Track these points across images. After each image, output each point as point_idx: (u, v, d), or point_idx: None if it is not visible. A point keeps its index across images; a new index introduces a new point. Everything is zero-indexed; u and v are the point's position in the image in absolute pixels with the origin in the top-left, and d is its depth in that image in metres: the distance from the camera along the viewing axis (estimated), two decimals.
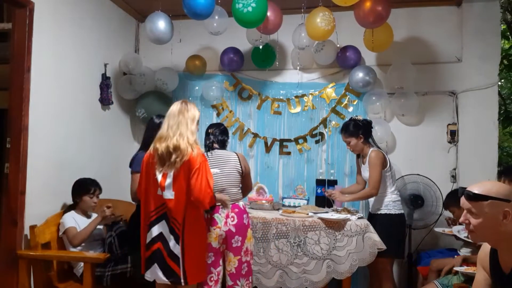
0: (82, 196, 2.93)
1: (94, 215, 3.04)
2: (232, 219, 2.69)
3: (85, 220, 2.92)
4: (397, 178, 3.53)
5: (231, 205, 2.71)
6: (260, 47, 3.68)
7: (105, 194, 3.20)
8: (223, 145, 2.88)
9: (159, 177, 2.29)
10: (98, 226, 3.01)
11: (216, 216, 2.69)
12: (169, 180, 2.27)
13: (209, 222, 2.70)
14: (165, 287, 2.39)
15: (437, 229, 3.11)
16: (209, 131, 2.92)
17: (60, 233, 2.85)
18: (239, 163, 2.79)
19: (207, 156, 2.80)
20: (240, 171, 2.79)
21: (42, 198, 2.89)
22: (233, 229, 2.67)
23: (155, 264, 2.29)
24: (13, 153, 2.71)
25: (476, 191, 1.54)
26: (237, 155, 2.83)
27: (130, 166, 2.76)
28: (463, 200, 1.59)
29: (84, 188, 2.95)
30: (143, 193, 2.39)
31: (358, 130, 3.03)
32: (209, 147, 2.88)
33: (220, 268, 2.72)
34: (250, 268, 2.77)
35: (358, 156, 3.23)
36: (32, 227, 2.68)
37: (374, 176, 2.94)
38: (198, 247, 2.34)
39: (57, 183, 3.02)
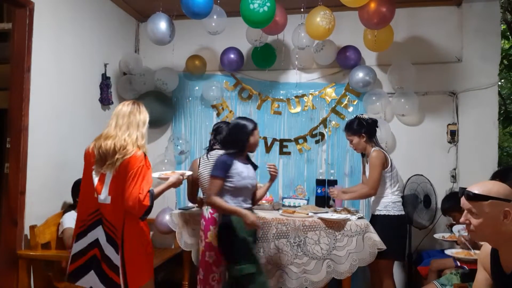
0: None
1: None
2: None
3: None
4: (407, 179, 3.52)
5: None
6: (267, 45, 3.67)
7: None
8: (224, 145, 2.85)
9: (96, 179, 2.12)
10: None
11: (216, 215, 2.69)
12: (107, 183, 2.09)
13: (210, 221, 2.69)
14: None
15: (436, 236, 3.12)
16: (210, 133, 2.94)
17: (59, 233, 2.85)
18: None
19: (203, 159, 2.80)
20: None
21: (42, 198, 2.89)
22: None
23: (92, 271, 2.09)
24: (13, 153, 2.72)
25: (476, 191, 1.54)
26: None
27: (215, 170, 2.50)
28: (463, 201, 1.59)
29: None
30: (81, 194, 2.22)
31: (361, 129, 3.01)
32: (207, 150, 2.87)
33: (222, 268, 2.72)
34: None
35: (363, 155, 3.21)
36: (32, 227, 2.69)
37: (373, 176, 2.93)
38: (141, 253, 2.14)
39: (57, 183, 3.02)
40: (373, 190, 2.93)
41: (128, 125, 2.16)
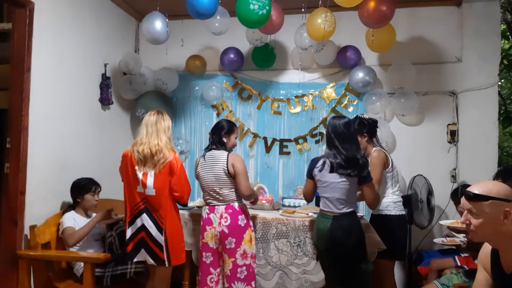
0: (84, 195, 2.93)
1: (94, 214, 3.04)
2: (225, 219, 2.67)
3: (85, 220, 2.92)
4: (412, 179, 3.50)
5: (225, 206, 2.69)
6: (267, 45, 3.67)
7: (105, 194, 3.19)
8: (221, 144, 2.79)
9: (140, 175, 2.58)
10: (98, 225, 3.01)
11: (211, 216, 2.70)
12: (150, 179, 2.57)
13: (206, 221, 2.71)
14: (154, 267, 2.66)
15: (436, 240, 3.12)
16: (208, 133, 2.90)
17: (60, 233, 2.85)
18: (225, 163, 2.68)
19: (201, 161, 2.79)
20: (226, 171, 2.68)
21: (42, 198, 2.88)
22: (226, 230, 2.65)
23: (143, 249, 2.61)
24: (13, 153, 2.71)
25: (476, 191, 1.54)
26: (228, 154, 2.73)
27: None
28: (463, 201, 1.58)
29: (85, 187, 2.95)
30: (127, 189, 2.67)
31: (363, 129, 2.98)
32: (205, 150, 2.83)
33: (219, 269, 2.71)
34: (251, 273, 2.70)
35: None
36: (32, 227, 2.68)
37: (373, 176, 2.91)
38: (179, 235, 2.68)
39: (57, 183, 3.02)
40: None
41: (157, 132, 2.62)
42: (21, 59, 2.74)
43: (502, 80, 6.38)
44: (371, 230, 2.85)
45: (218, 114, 4.17)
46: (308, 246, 2.91)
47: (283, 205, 3.54)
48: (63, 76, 3.16)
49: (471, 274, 2.47)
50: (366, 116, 3.09)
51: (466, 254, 2.91)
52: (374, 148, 2.99)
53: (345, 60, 3.80)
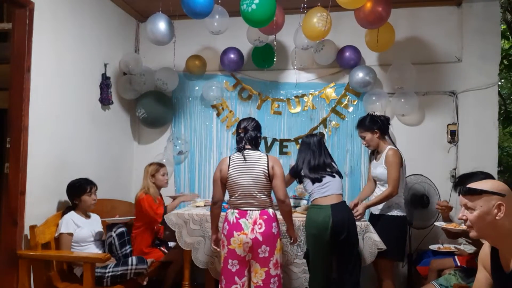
0: (81, 197, 2.91)
1: (93, 215, 3.04)
2: (259, 226, 2.48)
3: (84, 220, 2.91)
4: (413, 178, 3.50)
5: (260, 211, 2.52)
6: (267, 45, 3.67)
7: (105, 194, 3.20)
8: (256, 144, 2.64)
9: None
10: (98, 226, 3.01)
11: (242, 221, 2.50)
12: None
13: (234, 227, 2.51)
14: None
15: (432, 247, 3.12)
16: (239, 130, 2.66)
17: (56, 234, 2.83)
18: (266, 165, 2.53)
19: (235, 161, 2.55)
20: (267, 174, 2.53)
21: (42, 198, 2.88)
22: (260, 238, 2.47)
23: None
24: (13, 153, 2.71)
25: (470, 186, 1.58)
26: (267, 156, 2.59)
27: None
28: (460, 197, 1.62)
29: (81, 189, 2.92)
30: None
31: (374, 125, 2.96)
32: (240, 149, 2.60)
33: (245, 279, 2.53)
34: (281, 283, 2.57)
35: (372, 153, 3.14)
36: (32, 227, 2.68)
37: (393, 175, 2.83)
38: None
39: (57, 183, 3.02)
40: (395, 190, 2.82)
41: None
42: (21, 59, 2.74)
43: (502, 80, 6.38)
44: (370, 230, 2.85)
45: (218, 114, 4.18)
46: None
47: None
48: (63, 76, 3.16)
49: (469, 274, 2.47)
50: (378, 113, 3.08)
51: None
52: (389, 147, 2.94)
53: (345, 60, 3.80)
